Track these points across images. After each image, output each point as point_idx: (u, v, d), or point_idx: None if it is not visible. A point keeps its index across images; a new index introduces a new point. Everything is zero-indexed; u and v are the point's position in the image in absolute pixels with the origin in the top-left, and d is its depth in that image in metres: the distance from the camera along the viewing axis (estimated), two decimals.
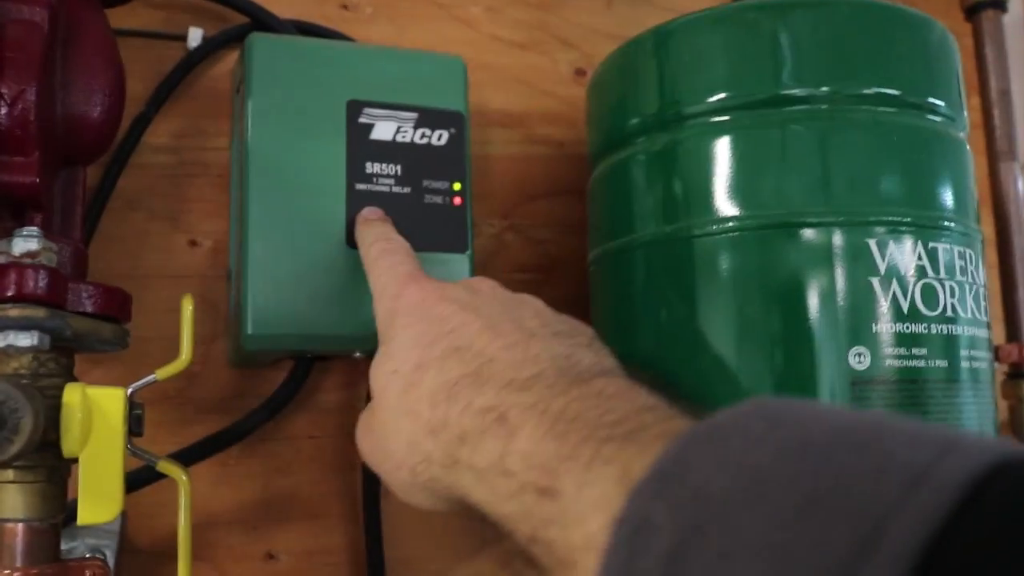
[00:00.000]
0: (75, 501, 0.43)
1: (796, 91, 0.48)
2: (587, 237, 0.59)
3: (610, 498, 0.28)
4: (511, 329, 0.39)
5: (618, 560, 0.25)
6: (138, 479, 0.50)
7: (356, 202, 0.53)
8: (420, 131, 0.55)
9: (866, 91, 0.48)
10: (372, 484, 0.57)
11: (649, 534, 0.24)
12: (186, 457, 0.53)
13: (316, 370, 0.59)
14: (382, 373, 0.41)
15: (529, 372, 0.36)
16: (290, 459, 0.58)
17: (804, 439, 0.24)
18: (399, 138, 0.55)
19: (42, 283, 0.41)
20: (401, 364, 0.40)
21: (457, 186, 0.56)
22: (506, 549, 0.38)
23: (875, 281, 0.46)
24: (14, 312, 0.40)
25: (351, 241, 0.52)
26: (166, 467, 0.45)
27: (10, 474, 0.41)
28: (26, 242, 0.42)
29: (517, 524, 0.32)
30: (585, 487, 0.29)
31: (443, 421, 0.37)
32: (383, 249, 0.47)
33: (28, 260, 0.42)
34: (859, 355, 0.45)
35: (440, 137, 0.56)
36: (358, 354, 0.55)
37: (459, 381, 0.37)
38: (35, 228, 0.42)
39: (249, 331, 0.50)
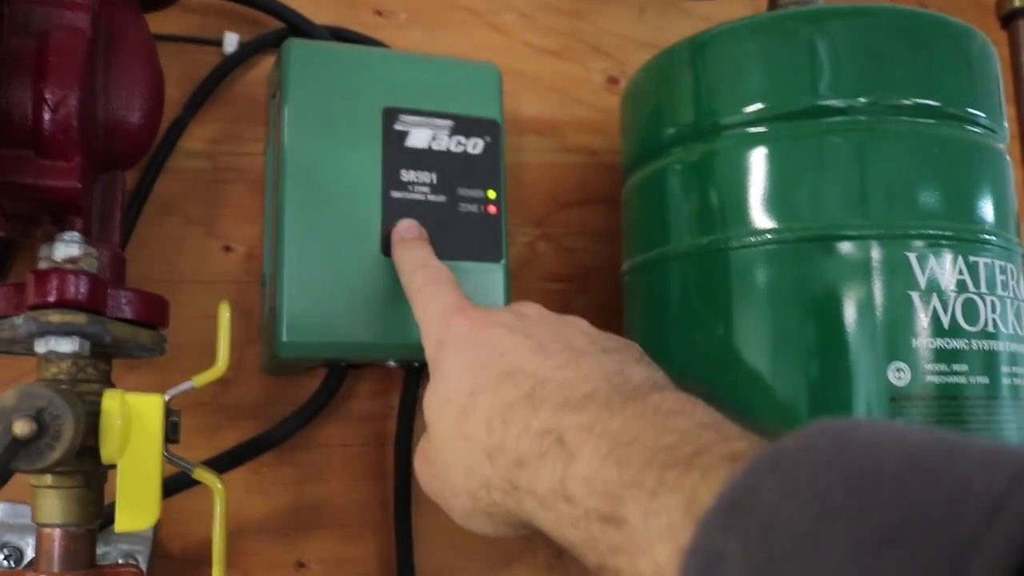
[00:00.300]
0: (110, 506, 0.43)
1: (834, 102, 0.48)
2: (620, 246, 0.58)
3: (677, 528, 0.27)
4: (561, 349, 0.39)
5: None
6: (172, 486, 0.50)
7: (391, 210, 0.53)
8: (455, 139, 0.55)
9: (905, 102, 0.48)
10: (404, 493, 0.57)
11: (721, 566, 0.24)
12: (219, 464, 0.53)
13: (349, 378, 0.58)
14: (435, 402, 0.41)
15: (583, 391, 0.36)
16: (322, 467, 0.57)
17: (874, 464, 0.23)
18: (434, 146, 0.55)
19: (83, 289, 0.41)
20: (454, 392, 0.40)
21: (492, 194, 0.55)
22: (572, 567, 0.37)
23: (915, 295, 0.45)
24: (55, 318, 0.40)
25: (386, 249, 0.52)
26: (202, 475, 0.45)
27: (48, 479, 0.41)
28: (68, 247, 0.42)
29: (584, 551, 0.32)
30: (651, 516, 0.29)
31: (500, 445, 0.37)
32: (425, 278, 0.47)
33: (70, 265, 0.42)
34: (899, 371, 0.44)
35: (475, 145, 0.56)
36: (392, 363, 0.55)
37: (513, 404, 0.37)
38: (76, 233, 0.42)
39: (284, 338, 0.50)
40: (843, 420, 0.26)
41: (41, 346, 0.41)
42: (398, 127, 0.54)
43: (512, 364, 0.39)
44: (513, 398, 0.37)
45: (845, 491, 0.23)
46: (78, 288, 0.41)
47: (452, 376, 0.41)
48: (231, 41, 0.60)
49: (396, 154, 0.54)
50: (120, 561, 0.50)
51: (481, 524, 0.40)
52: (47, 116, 0.42)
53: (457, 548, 0.59)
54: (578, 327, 0.42)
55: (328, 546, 0.57)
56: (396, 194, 0.53)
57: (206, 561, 0.50)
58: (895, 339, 0.45)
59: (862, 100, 0.48)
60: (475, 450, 0.38)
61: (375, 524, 0.58)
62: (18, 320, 0.41)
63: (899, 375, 0.44)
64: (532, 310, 0.44)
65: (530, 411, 0.36)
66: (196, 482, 0.46)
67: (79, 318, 0.41)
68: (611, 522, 0.30)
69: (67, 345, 0.40)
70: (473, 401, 0.39)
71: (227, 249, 0.58)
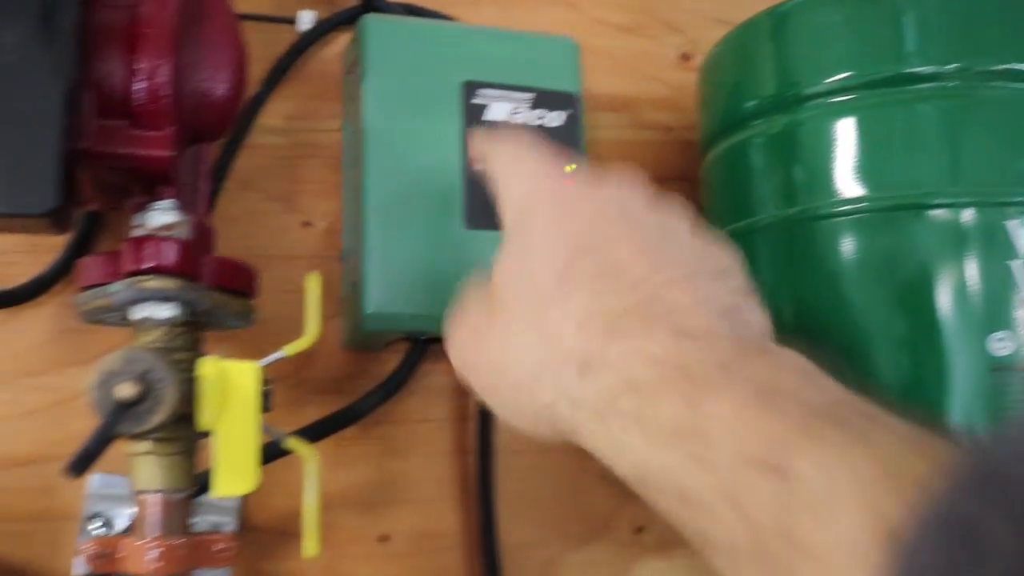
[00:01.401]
0: (199, 476, 0.43)
1: (923, 69, 0.47)
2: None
3: (870, 491, 0.24)
4: (670, 261, 0.34)
5: None
6: (263, 456, 0.50)
7: (473, 183, 0.53)
8: (536, 112, 0.55)
9: (998, 67, 0.46)
10: (485, 468, 0.57)
11: (979, 545, 0.20)
12: (303, 437, 0.53)
13: (430, 353, 0.58)
14: (513, 273, 0.36)
15: (701, 324, 0.32)
16: (404, 442, 0.57)
17: None
18: (515, 119, 0.54)
19: (179, 255, 0.41)
20: (540, 269, 0.34)
21: (572, 167, 0.55)
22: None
23: (1014, 264, 0.44)
24: (153, 284, 0.40)
25: (469, 221, 0.52)
26: (294, 444, 0.45)
27: (146, 446, 0.41)
28: (163, 215, 0.42)
29: (714, 506, 0.28)
30: (830, 469, 0.25)
31: (600, 358, 0.32)
32: (513, 140, 0.41)
33: (164, 232, 0.42)
34: (1000, 340, 0.43)
35: (556, 118, 0.55)
36: None
37: (622, 315, 0.32)
38: (170, 201, 0.43)
39: (368, 311, 0.50)
40: None
41: (137, 313, 0.41)
42: (477, 100, 0.54)
43: (615, 263, 0.33)
44: (620, 308, 0.32)
45: None
46: (175, 254, 0.41)
47: (539, 248, 0.35)
48: (306, 19, 0.60)
49: (476, 127, 0.54)
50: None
51: (531, 425, 0.35)
52: (141, 86, 0.42)
53: (538, 524, 0.58)
54: (684, 229, 0.37)
55: (411, 520, 0.56)
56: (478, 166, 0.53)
57: (290, 532, 0.50)
58: (995, 309, 0.44)
59: (953, 66, 0.46)
60: (557, 351, 0.33)
61: (456, 499, 0.57)
62: (114, 287, 0.41)
63: (1001, 345, 0.43)
64: (634, 192, 0.38)
65: (643, 331, 0.31)
66: (284, 453, 0.46)
67: (176, 284, 0.41)
68: (772, 471, 0.26)
69: (164, 311, 0.41)
70: (564, 293, 0.33)
71: (306, 224, 0.58)
